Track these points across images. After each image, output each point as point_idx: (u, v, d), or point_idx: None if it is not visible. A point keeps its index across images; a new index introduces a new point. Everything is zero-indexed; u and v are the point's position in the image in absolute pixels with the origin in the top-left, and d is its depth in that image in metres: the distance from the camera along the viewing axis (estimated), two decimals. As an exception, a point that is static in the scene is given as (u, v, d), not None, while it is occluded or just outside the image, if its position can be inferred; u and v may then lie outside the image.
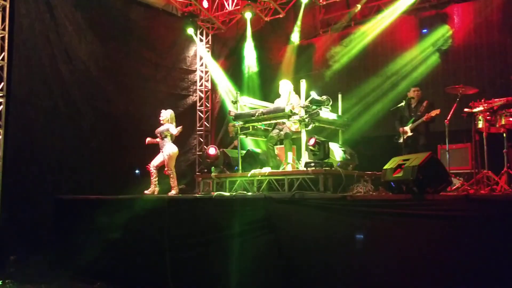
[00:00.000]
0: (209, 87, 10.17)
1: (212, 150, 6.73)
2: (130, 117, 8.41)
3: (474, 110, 5.27)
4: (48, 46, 7.36)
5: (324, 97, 6.21)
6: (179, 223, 5.28)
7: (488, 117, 5.19)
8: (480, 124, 5.24)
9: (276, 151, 6.78)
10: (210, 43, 10.25)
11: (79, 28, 7.85)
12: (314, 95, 6.15)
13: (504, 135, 5.15)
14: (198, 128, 10.00)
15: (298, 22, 9.09)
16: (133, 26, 8.77)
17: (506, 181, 4.96)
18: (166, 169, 6.56)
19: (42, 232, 6.61)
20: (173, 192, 6.44)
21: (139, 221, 5.57)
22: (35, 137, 7.06)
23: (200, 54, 10.10)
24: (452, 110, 5.56)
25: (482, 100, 5.28)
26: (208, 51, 10.17)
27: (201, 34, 10.13)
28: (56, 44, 7.47)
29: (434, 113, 6.31)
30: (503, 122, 5.08)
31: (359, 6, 8.75)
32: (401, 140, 6.44)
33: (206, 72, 10.16)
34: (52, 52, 7.41)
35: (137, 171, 8.30)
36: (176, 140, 6.96)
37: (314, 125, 6.08)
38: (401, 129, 6.50)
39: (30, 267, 6.32)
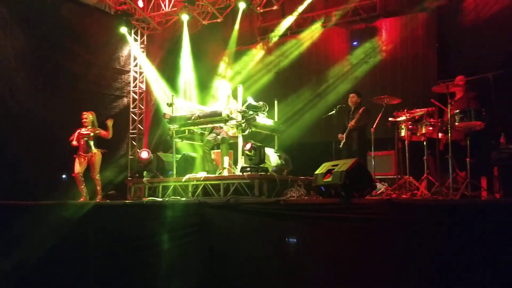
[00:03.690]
0: (144, 89, 9.89)
1: (144, 154, 6.56)
2: (59, 118, 7.93)
3: (398, 119, 5.59)
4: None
5: (261, 102, 6.30)
6: (106, 231, 5.07)
7: (410, 126, 5.48)
8: (403, 133, 5.55)
9: (213, 156, 6.76)
10: (145, 43, 9.97)
11: (5, 23, 7.34)
12: (250, 100, 6.23)
13: (425, 143, 5.51)
14: (131, 131, 9.65)
15: (236, 28, 9.13)
16: (64, 23, 8.32)
17: (426, 187, 5.32)
18: (93, 173, 6.35)
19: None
20: (99, 198, 6.23)
21: (62, 228, 5.26)
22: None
23: (134, 54, 9.79)
24: (378, 119, 5.88)
25: (405, 110, 5.61)
26: (143, 52, 9.88)
27: (136, 34, 9.82)
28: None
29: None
30: (423, 131, 5.41)
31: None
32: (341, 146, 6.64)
33: (141, 73, 9.85)
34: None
35: (64, 176, 7.85)
36: (107, 143, 6.70)
37: (250, 130, 6.14)
38: (339, 135, 6.68)
39: None
